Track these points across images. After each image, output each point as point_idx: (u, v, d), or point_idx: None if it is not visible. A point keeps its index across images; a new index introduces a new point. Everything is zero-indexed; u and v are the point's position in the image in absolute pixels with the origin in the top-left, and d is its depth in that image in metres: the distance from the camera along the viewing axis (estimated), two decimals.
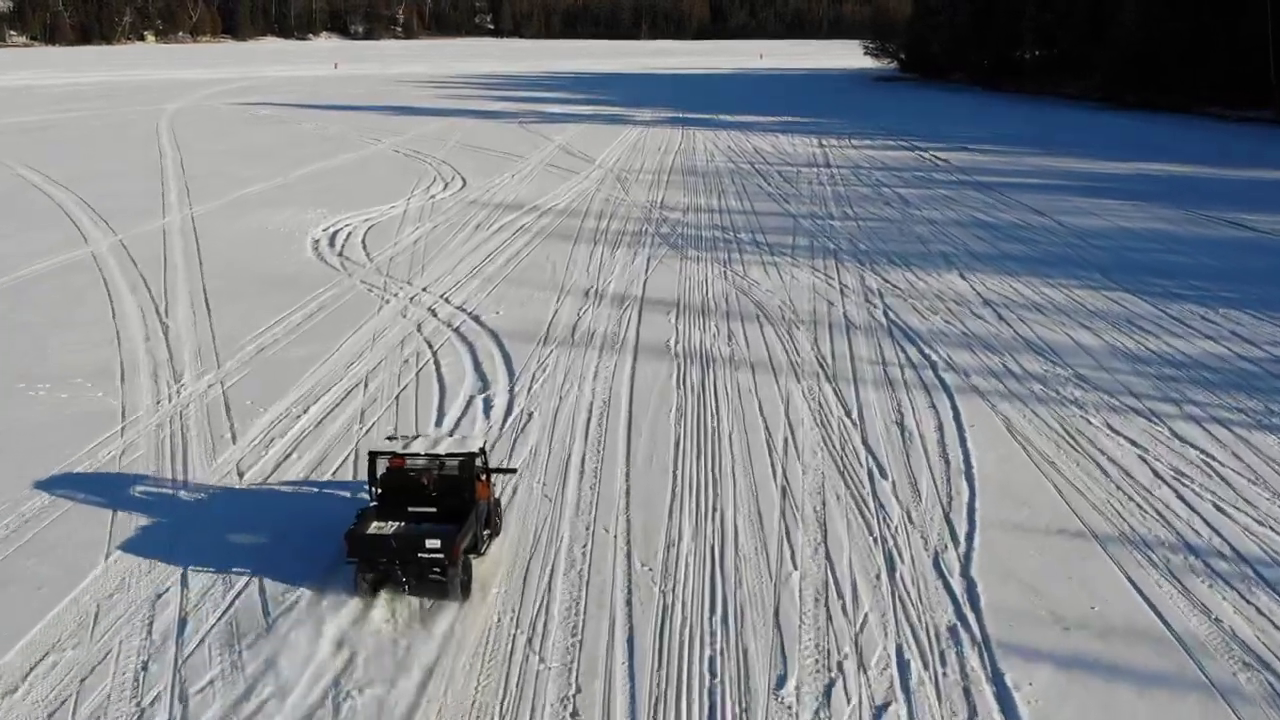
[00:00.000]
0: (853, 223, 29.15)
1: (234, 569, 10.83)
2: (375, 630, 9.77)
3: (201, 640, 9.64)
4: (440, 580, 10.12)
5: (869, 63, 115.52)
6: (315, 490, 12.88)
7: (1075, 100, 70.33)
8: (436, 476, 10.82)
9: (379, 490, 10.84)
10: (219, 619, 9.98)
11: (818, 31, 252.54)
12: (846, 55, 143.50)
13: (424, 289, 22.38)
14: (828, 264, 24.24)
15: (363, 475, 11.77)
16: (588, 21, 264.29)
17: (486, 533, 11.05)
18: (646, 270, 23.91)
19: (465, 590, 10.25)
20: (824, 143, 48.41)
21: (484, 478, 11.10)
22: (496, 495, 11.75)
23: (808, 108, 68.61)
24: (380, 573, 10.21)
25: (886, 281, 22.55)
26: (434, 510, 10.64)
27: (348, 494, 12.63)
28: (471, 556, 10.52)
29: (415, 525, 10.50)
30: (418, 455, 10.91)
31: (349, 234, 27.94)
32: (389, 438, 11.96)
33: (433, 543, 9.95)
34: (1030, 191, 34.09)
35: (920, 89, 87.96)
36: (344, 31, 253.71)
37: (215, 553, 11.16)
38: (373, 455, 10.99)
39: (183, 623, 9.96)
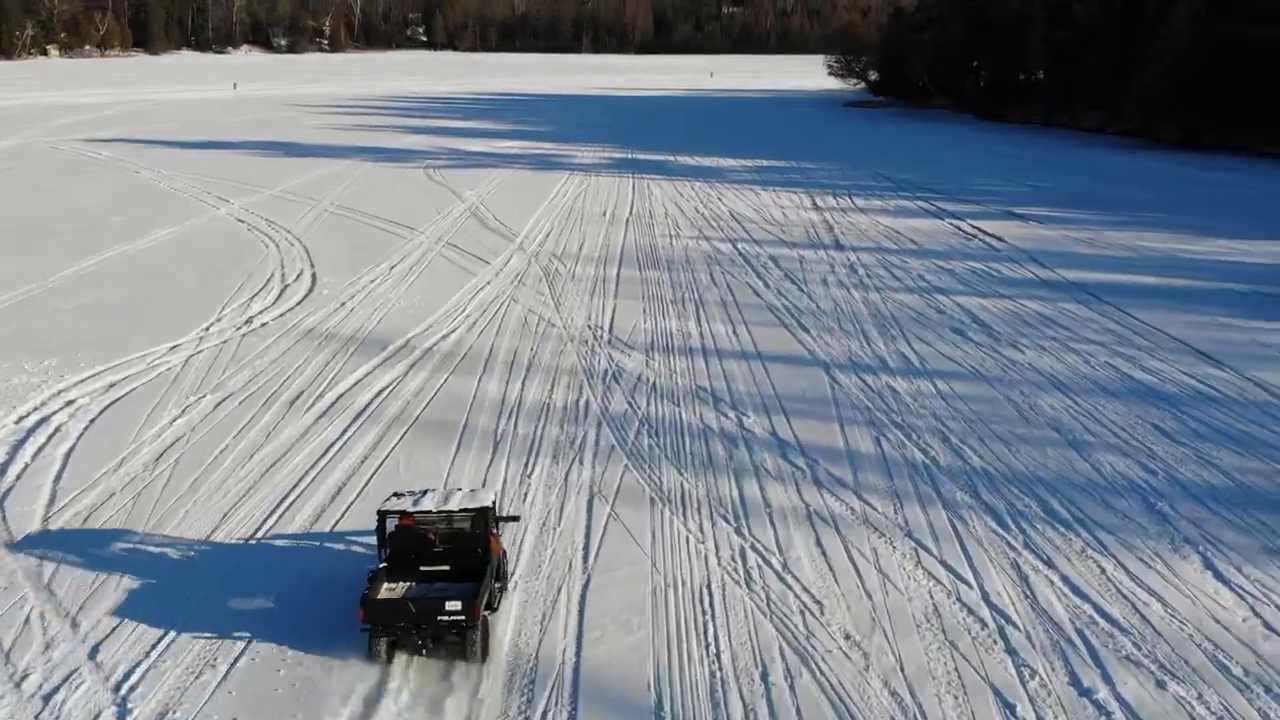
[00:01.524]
0: (925, 385, 17.53)
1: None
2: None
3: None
4: (458, 641, 9.72)
5: (833, 83, 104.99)
6: None
7: (1097, 133, 59.91)
8: (448, 533, 10.36)
9: (389, 550, 10.31)
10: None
11: (765, 46, 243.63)
12: (803, 74, 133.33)
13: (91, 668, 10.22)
14: (936, 524, 12.57)
15: None
16: (526, 34, 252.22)
17: (498, 585, 10.60)
18: (588, 553, 11.99)
19: (484, 650, 9.86)
20: (819, 202, 36.92)
21: (495, 531, 10.59)
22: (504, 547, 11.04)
23: (781, 144, 57.28)
24: (394, 635, 9.72)
25: (1086, 604, 10.90)
26: (447, 568, 10.24)
27: None
28: (488, 613, 10.03)
29: (429, 585, 10.18)
30: (428, 512, 10.37)
31: (55, 434, 15.62)
32: (396, 494, 10.86)
33: (453, 605, 9.56)
34: (1157, 305, 22.79)
35: (903, 117, 77.19)
36: (266, 44, 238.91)
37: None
38: (382, 514, 10.44)
39: None
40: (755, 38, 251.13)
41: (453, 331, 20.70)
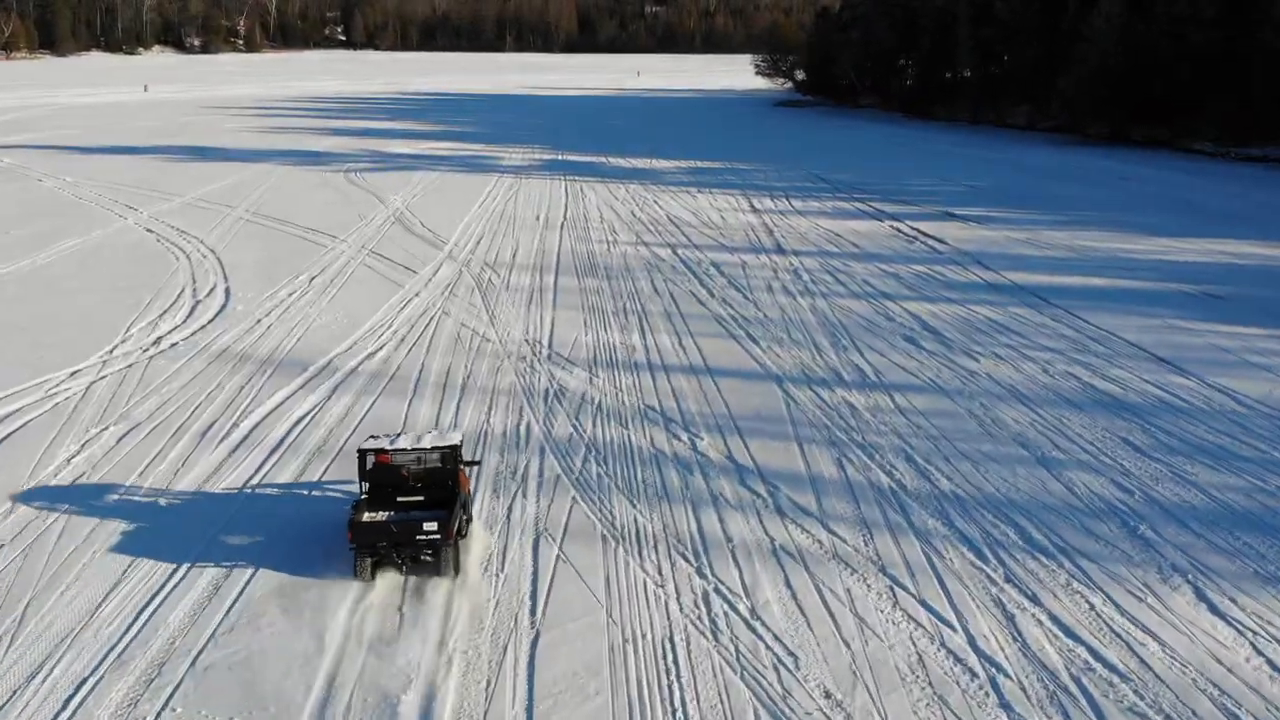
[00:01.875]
0: (883, 399, 16.70)
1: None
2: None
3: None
4: (433, 560, 11.00)
5: (760, 82, 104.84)
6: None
7: (1025, 131, 60.24)
8: (420, 470, 11.61)
9: (368, 484, 11.56)
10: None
11: (690, 46, 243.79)
12: (730, 73, 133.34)
13: None
14: (910, 557, 11.66)
15: None
16: (448, 33, 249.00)
17: (465, 519, 11.75)
18: (535, 603, 10.81)
19: (456, 567, 11.13)
20: (756, 204, 36.15)
21: (463, 468, 11.88)
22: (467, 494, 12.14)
23: (713, 144, 56.55)
24: (379, 556, 10.95)
25: (1079, 646, 10.06)
26: (420, 499, 11.48)
27: None
28: (451, 546, 11.11)
29: (405, 513, 11.29)
30: (403, 450, 11.62)
31: None
32: (372, 436, 12.34)
33: (430, 525, 10.88)
34: (1107, 307, 22.34)
35: (833, 116, 77.06)
36: (179, 45, 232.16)
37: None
38: (361, 452, 11.72)
39: None
40: (680, 37, 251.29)
41: (379, 349, 19.34)
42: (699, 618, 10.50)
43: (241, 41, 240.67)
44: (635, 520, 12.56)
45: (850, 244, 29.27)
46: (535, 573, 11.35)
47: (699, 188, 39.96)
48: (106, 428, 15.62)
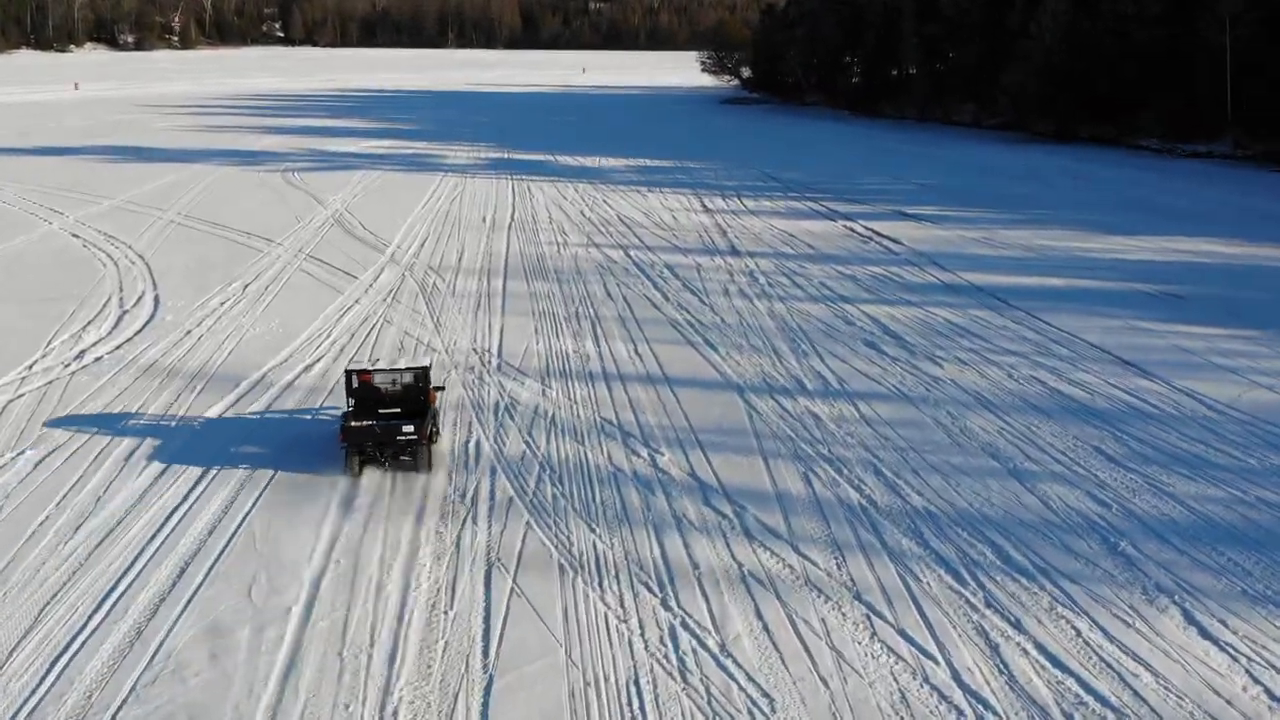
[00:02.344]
0: (847, 408, 16.09)
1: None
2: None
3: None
4: (409, 459, 13.45)
5: (706, 80, 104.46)
6: None
7: (972, 128, 60.31)
8: (395, 390, 13.95)
9: (351, 396, 13.96)
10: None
11: (635, 42, 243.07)
12: (676, 70, 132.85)
13: None
14: (885, 581, 11.03)
15: None
16: (388, 29, 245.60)
17: (434, 428, 14.20)
18: (488, 644, 9.98)
19: (428, 465, 13.58)
20: (708, 204, 35.51)
21: (432, 389, 14.24)
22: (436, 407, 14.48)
23: (662, 142, 55.86)
24: (365, 453, 13.40)
25: (1068, 678, 9.47)
26: (398, 410, 13.73)
27: None
28: (426, 446, 13.59)
29: (386, 420, 13.45)
30: (382, 370, 14.22)
31: None
32: (356, 363, 15.89)
33: (408, 428, 13.24)
34: (1066, 308, 21.98)
35: (780, 114, 76.71)
36: (112, 42, 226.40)
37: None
38: (348, 373, 14.31)
39: None
40: (624, 34, 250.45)
41: (316, 362, 18.35)
42: (666, 656, 9.76)
43: (176, 38, 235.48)
44: (594, 546, 11.79)
45: (805, 245, 28.73)
46: (488, 609, 10.54)
47: (649, 187, 39.24)
48: (23, 451, 14.51)
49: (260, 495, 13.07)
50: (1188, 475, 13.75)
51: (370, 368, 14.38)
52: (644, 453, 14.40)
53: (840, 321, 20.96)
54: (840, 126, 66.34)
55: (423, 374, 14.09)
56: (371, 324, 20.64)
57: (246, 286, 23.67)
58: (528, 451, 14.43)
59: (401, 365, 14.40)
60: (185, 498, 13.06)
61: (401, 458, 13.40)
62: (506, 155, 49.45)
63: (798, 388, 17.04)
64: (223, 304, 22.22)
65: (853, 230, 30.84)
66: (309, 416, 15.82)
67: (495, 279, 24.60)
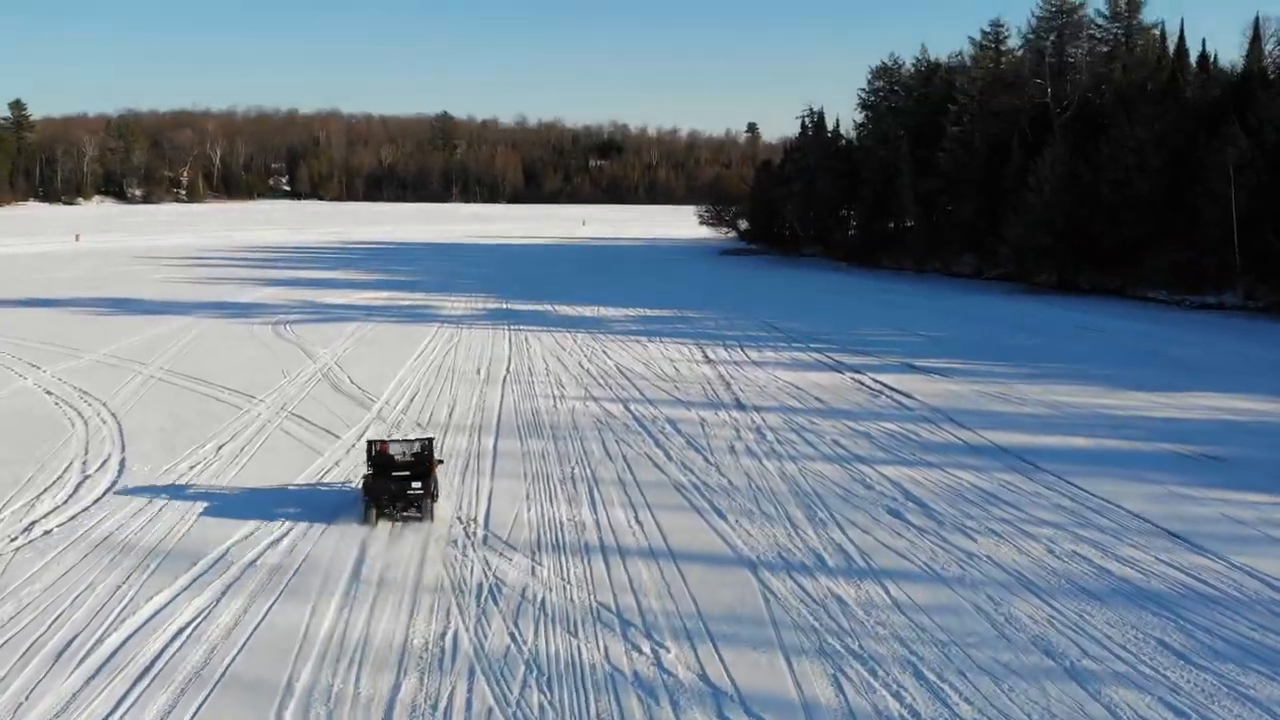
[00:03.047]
0: (875, 590, 14.33)
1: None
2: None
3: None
4: (416, 511, 16.97)
5: (704, 232, 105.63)
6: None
7: (972, 280, 60.06)
8: (406, 457, 17.33)
9: (372, 465, 17.31)
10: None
11: (634, 197, 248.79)
12: (674, 222, 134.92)
13: None
14: None
15: None
16: (394, 184, 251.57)
17: (435, 488, 17.48)
18: None
19: (431, 516, 17.04)
20: (710, 354, 34.40)
21: (434, 458, 17.67)
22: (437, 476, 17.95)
23: (662, 292, 55.38)
24: (380, 505, 16.86)
25: None
26: (408, 473, 17.04)
27: None
28: (429, 500, 17.14)
29: (399, 480, 16.95)
30: (395, 441, 18.16)
31: None
32: (371, 440, 18.84)
33: (416, 485, 16.88)
34: (1100, 472, 20.44)
35: (778, 265, 76.87)
36: (120, 195, 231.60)
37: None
38: (369, 442, 18.09)
39: None
40: (624, 189, 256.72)
41: (284, 535, 16.66)
42: None
43: (184, 192, 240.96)
44: None
45: (813, 398, 27.40)
46: None
47: (649, 336, 38.23)
48: None
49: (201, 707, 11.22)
50: (1268, 675, 11.94)
51: (387, 439, 18.53)
52: (646, 648, 12.60)
53: (858, 485, 19.37)
54: (839, 277, 66.23)
55: (428, 444, 17.80)
56: (353, 497, 19.02)
57: (221, 448, 22.14)
58: (512, 646, 12.63)
59: (412, 438, 18.68)
60: (116, 707, 11.20)
61: (410, 510, 16.90)
62: (505, 305, 48.75)
63: (818, 564, 15.33)
64: (192, 468, 20.65)
65: (862, 383, 29.57)
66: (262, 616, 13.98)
67: (487, 436, 23.12)
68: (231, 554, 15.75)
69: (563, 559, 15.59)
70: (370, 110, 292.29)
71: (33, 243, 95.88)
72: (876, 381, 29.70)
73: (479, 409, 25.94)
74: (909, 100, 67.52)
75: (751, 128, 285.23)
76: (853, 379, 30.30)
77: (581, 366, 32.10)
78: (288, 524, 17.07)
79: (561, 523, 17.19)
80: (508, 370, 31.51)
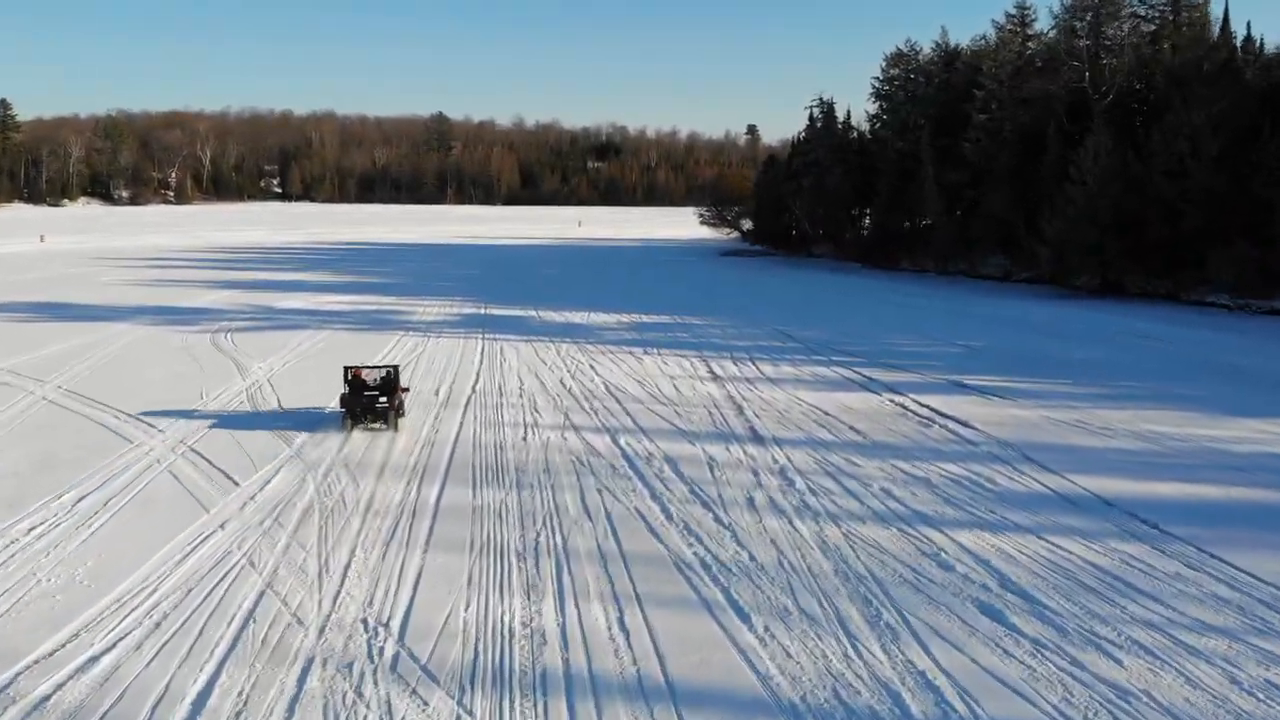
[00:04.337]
0: None
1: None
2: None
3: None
4: (383, 420, 21.17)
5: (705, 232, 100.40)
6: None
7: (1001, 281, 54.75)
8: (375, 380, 21.56)
9: (348, 385, 21.46)
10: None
11: (632, 198, 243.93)
12: (673, 223, 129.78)
13: None
14: None
15: None
16: (387, 186, 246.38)
17: (400, 404, 21.92)
18: None
19: (396, 426, 21.23)
20: (717, 369, 29.13)
21: (399, 383, 21.98)
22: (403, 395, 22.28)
23: (660, 296, 50.12)
24: (355, 415, 21.12)
25: None
26: (377, 392, 21.23)
27: None
28: (393, 413, 21.30)
29: (369, 396, 21.21)
30: (366, 368, 22.35)
31: None
32: (348, 366, 22.42)
33: (383, 400, 21.09)
34: (1252, 541, 15.14)
35: (786, 266, 71.56)
36: (106, 196, 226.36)
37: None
38: (346, 369, 21.93)
39: None
40: (622, 190, 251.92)
41: (109, 650, 11.33)
42: None
43: (172, 193, 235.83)
44: None
45: (847, 427, 22.09)
46: None
47: (645, 347, 32.95)
48: None
49: None
50: None
51: (360, 365, 22.61)
52: None
53: (930, 563, 14.04)
54: (854, 279, 60.78)
55: (394, 370, 22.13)
56: (225, 570, 13.69)
57: (81, 500, 16.80)
58: None
59: (380, 365, 23.26)
60: None
61: (377, 422, 21.00)
62: (483, 310, 43.51)
63: (896, 713, 9.99)
64: (30, 532, 15.30)
65: (904, 407, 24.26)
66: None
67: (430, 484, 17.78)
68: (19, 684, 10.38)
69: (504, 703, 10.26)
70: (365, 111, 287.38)
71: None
72: (922, 405, 24.38)
73: (428, 443, 20.59)
74: (929, 87, 62.18)
75: (751, 130, 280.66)
76: (892, 401, 24.99)
77: (563, 385, 26.82)
78: (123, 626, 11.70)
79: (509, 632, 11.84)
80: (473, 389, 26.22)
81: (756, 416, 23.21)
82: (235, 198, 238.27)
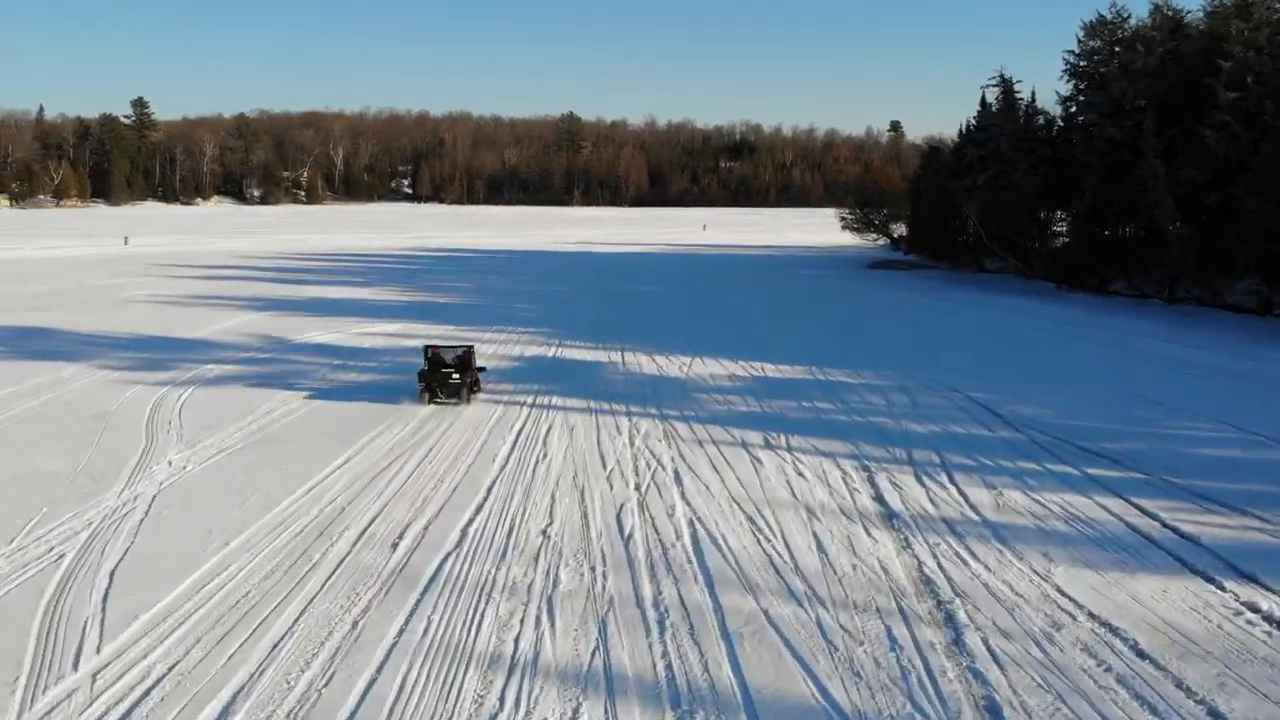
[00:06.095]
0: None
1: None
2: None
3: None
4: (456, 395, 23.10)
5: (846, 238, 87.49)
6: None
7: (1263, 317, 40.51)
8: (452, 357, 23.50)
9: (428, 362, 23.54)
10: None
11: (765, 199, 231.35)
12: (809, 227, 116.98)
13: None
14: None
15: None
16: (515, 187, 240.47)
17: (474, 380, 23.89)
18: None
19: (469, 399, 23.24)
20: (887, 492, 17.05)
21: (473, 361, 23.99)
22: (478, 373, 24.15)
23: (793, 331, 38.03)
24: (431, 389, 23.08)
25: None
26: (453, 369, 23.25)
27: None
28: (466, 390, 23.19)
29: (445, 372, 23.16)
30: (444, 346, 24.29)
31: None
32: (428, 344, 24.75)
33: (456, 376, 23.05)
34: None
35: (954, 285, 58.03)
36: (239, 195, 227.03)
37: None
38: (426, 347, 24.09)
39: None
40: (754, 190, 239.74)
41: None
42: None
43: (303, 193, 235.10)
44: None
45: (1190, 697, 9.87)
46: None
47: (766, 432, 21.13)
48: None
49: None
50: None
51: (439, 343, 26.29)
52: None
53: None
54: (1058, 309, 46.24)
55: (470, 350, 24.12)
56: None
57: None
58: None
59: (457, 345, 24.85)
60: None
61: (452, 396, 23.06)
62: (553, 351, 32.42)
63: None
64: None
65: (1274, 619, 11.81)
66: None
67: None
68: None
69: None
70: (500, 112, 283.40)
71: (81, 245, 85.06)
72: None
73: (346, 680, 9.43)
74: (1150, 59, 48.22)
75: (895, 126, 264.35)
76: (1254, 611, 12.53)
77: (619, 526, 15.36)
78: None
79: None
80: (462, 535, 14.97)
81: (988, 652, 11.23)
82: (365, 198, 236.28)
